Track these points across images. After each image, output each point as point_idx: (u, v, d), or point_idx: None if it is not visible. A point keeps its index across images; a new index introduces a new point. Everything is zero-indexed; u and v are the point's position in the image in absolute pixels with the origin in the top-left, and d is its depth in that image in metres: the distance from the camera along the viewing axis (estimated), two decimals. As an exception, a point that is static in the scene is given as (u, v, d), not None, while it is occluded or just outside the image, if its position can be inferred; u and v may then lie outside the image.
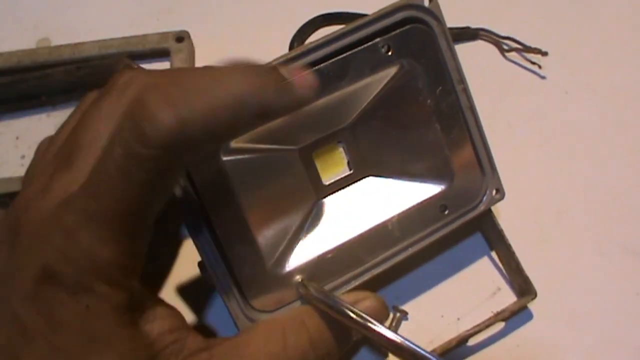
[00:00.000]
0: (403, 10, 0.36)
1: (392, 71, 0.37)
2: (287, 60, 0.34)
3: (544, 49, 0.48)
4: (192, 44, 0.50)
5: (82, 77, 0.46)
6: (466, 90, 0.38)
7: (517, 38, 0.48)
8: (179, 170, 0.28)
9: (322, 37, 0.35)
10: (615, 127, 0.46)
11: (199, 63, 0.50)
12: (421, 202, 0.39)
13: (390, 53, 0.36)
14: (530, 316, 0.40)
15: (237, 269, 0.34)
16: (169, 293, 0.41)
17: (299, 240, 0.37)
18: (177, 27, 0.50)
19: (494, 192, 0.39)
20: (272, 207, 0.36)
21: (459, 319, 0.41)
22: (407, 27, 0.36)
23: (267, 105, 0.27)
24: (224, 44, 0.51)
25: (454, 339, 0.37)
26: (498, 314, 0.38)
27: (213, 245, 0.34)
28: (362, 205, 0.38)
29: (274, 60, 0.34)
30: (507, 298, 0.41)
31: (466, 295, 0.41)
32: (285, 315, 0.33)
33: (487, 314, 0.40)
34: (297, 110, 0.28)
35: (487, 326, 0.38)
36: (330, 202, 0.38)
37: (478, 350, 0.40)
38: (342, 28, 0.35)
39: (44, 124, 0.48)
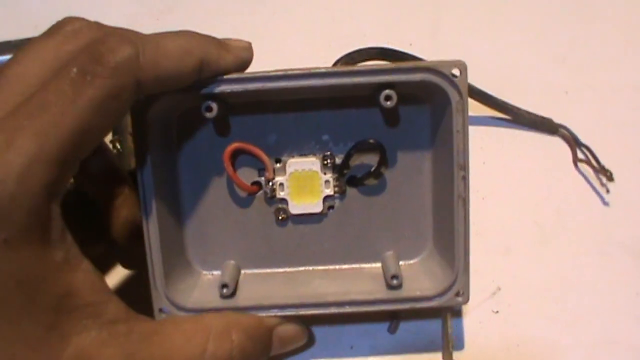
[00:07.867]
0: (423, 72, 0.33)
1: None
2: (328, 74, 0.32)
3: (612, 173, 0.43)
4: (192, 44, 0.49)
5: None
6: (465, 179, 0.33)
7: (594, 150, 0.44)
8: (125, 101, 0.28)
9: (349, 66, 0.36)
10: (616, 127, 0.46)
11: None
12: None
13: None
14: (530, 316, 0.41)
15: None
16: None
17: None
18: (177, 27, 0.49)
19: (455, 292, 0.34)
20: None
21: (459, 318, 0.41)
22: (425, 92, 0.34)
23: (207, 58, 0.31)
24: (224, 44, 0.51)
25: None
26: None
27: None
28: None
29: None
30: (508, 298, 0.41)
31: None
32: (214, 320, 0.31)
33: (487, 314, 0.41)
34: (235, 69, 0.33)
35: None
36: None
37: (478, 350, 0.40)
38: (370, 65, 0.37)
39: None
